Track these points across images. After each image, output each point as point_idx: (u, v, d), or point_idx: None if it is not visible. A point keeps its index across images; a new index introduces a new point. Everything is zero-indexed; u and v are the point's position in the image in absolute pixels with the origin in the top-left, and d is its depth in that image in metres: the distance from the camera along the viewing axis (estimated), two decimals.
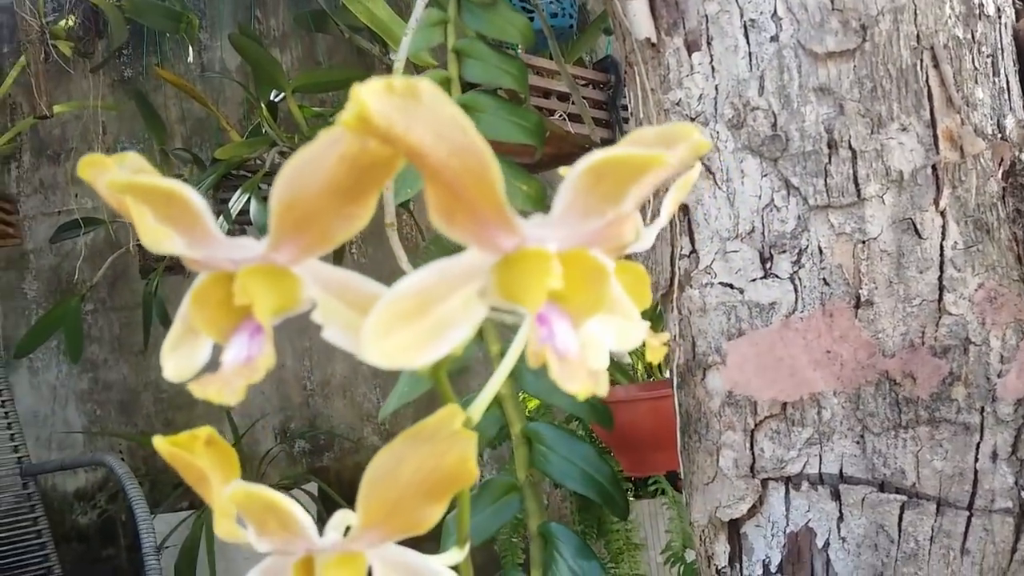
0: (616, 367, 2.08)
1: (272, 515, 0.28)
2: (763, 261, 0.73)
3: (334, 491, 2.65)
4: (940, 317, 0.67)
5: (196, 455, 0.30)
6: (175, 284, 2.94)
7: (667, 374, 2.17)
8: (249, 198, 2.33)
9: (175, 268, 2.67)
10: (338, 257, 2.65)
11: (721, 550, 0.78)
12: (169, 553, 2.37)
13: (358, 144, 0.24)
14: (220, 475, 0.30)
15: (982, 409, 0.66)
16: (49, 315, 2.53)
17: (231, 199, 2.37)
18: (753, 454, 0.75)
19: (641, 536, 2.15)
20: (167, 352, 0.30)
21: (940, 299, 0.67)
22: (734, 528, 0.77)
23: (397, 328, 0.24)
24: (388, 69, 2.89)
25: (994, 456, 0.66)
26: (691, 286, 0.77)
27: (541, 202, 0.92)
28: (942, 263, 0.67)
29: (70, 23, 2.65)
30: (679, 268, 0.79)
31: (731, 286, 0.75)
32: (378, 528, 0.30)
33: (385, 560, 0.31)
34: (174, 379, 0.30)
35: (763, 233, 0.73)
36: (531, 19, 1.36)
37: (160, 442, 0.30)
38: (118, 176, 0.25)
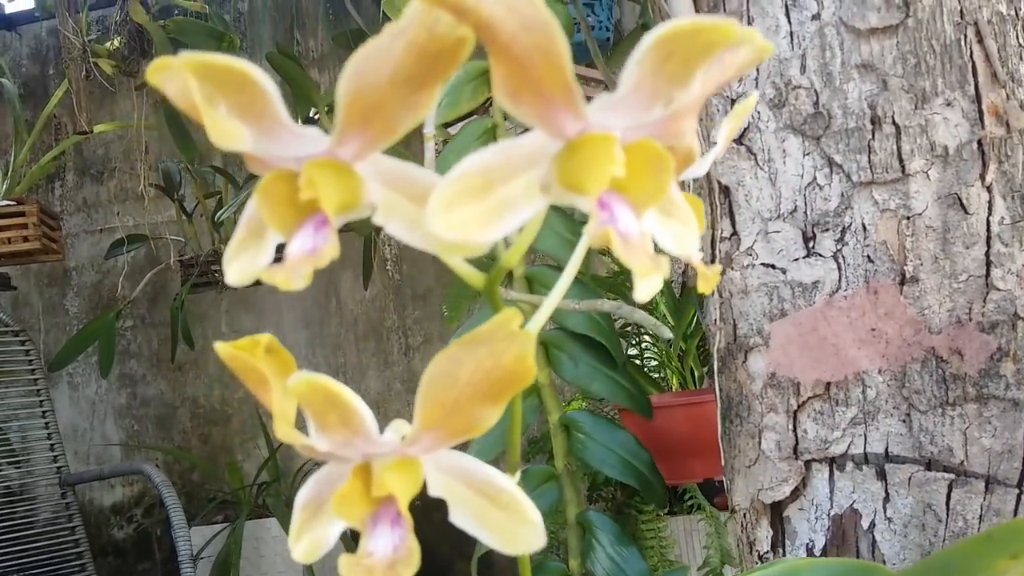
0: (648, 380, 2.07)
1: (333, 409, 0.29)
2: (806, 240, 0.73)
3: None
4: (987, 292, 0.66)
5: (257, 359, 0.30)
6: (213, 298, 2.98)
7: (700, 384, 2.16)
8: None
9: (200, 286, 2.71)
10: (367, 276, 2.67)
11: (763, 535, 0.77)
12: (203, 565, 2.38)
13: (425, 31, 0.25)
14: (280, 380, 0.30)
15: None
16: (85, 329, 2.57)
17: None
18: (796, 435, 0.74)
19: (676, 554, 2.13)
20: (229, 258, 0.31)
21: (987, 274, 0.67)
22: (776, 512, 0.76)
23: (462, 203, 0.24)
24: None
25: None
26: (732, 268, 0.77)
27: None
28: (989, 238, 0.67)
29: (116, 44, 2.71)
30: (719, 250, 0.79)
31: (773, 267, 0.75)
32: (435, 431, 0.30)
33: (440, 466, 0.31)
34: (237, 283, 0.31)
35: (805, 212, 0.73)
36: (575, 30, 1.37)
37: (222, 347, 0.30)
38: (193, 57, 0.25)
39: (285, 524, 2.32)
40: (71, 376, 3.04)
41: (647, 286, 0.30)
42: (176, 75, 0.27)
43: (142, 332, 3.11)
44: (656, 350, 2.20)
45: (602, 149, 0.25)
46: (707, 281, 0.35)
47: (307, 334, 3.07)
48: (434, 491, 0.31)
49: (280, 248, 0.29)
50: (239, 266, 0.31)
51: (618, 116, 0.25)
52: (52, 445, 2.29)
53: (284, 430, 0.31)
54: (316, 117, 2.40)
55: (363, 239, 2.54)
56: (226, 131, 0.27)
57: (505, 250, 0.34)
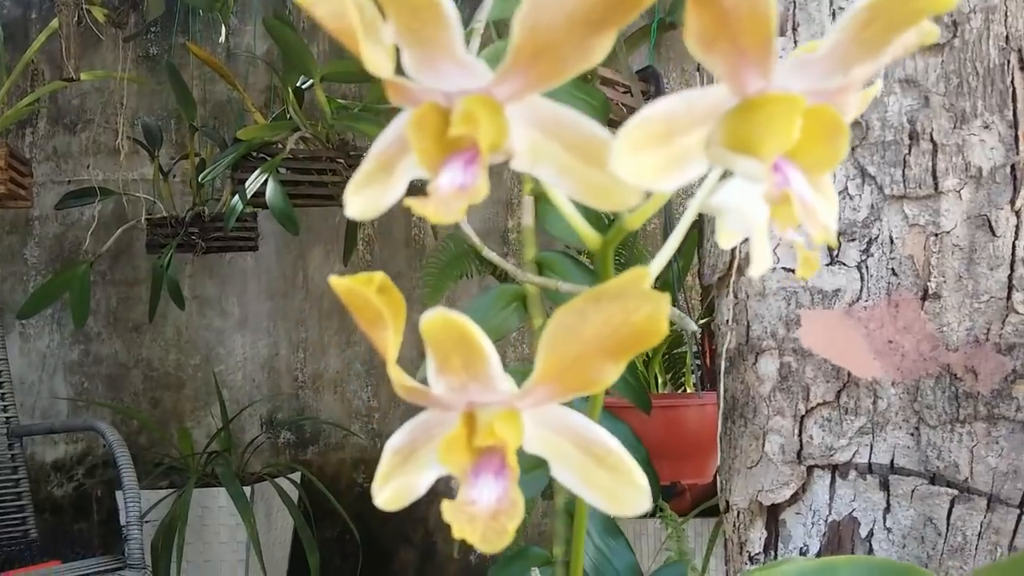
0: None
1: (462, 350, 0.28)
2: (830, 248, 0.74)
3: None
4: (1007, 315, 0.68)
5: (371, 296, 0.29)
6: (178, 260, 2.93)
7: (661, 390, 2.17)
8: (266, 180, 2.33)
9: (185, 245, 2.66)
10: (348, 251, 2.65)
11: (756, 536, 0.78)
12: (145, 530, 2.34)
13: None
14: (395, 318, 0.30)
15: None
16: (56, 279, 2.51)
17: (248, 179, 2.36)
18: (801, 440, 0.75)
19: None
20: (352, 192, 0.30)
21: (1009, 297, 0.68)
22: (773, 514, 0.77)
23: (646, 148, 0.24)
24: None
25: None
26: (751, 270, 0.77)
27: (605, 114, 0.92)
28: (1013, 262, 0.68)
29: None
30: (739, 251, 0.79)
31: (794, 271, 0.75)
32: (552, 385, 0.29)
33: (545, 421, 0.31)
34: (359, 216, 0.30)
35: None
36: None
37: (338, 281, 0.29)
38: None
39: (233, 494, 2.29)
40: (24, 327, 2.97)
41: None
42: None
43: (101, 289, 3.05)
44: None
45: (785, 111, 0.24)
46: (808, 266, 0.35)
47: (270, 306, 3.03)
48: (532, 447, 0.31)
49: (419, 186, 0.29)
50: (364, 200, 0.30)
51: (800, 79, 0.25)
52: (3, 395, 2.24)
53: (395, 370, 0.30)
54: (308, 85, 2.37)
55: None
56: (376, 61, 0.26)
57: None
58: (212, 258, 3.00)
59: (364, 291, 0.29)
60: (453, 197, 0.26)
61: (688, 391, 2.13)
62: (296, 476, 2.60)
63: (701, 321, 2.32)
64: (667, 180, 0.24)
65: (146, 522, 2.32)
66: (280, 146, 2.43)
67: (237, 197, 2.39)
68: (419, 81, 0.27)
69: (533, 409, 0.30)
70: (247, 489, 2.33)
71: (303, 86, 2.38)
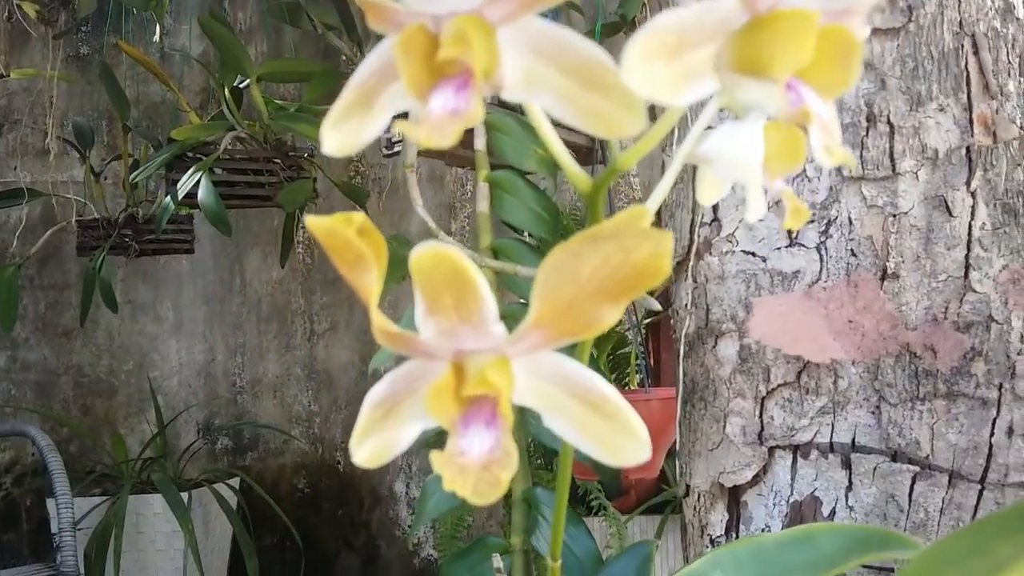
0: None
1: (454, 289, 0.27)
2: (789, 230, 0.74)
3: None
4: (965, 294, 0.68)
5: (353, 235, 0.28)
6: (109, 263, 2.85)
7: (622, 387, 2.17)
8: (199, 180, 2.27)
9: (117, 247, 2.59)
10: (284, 254, 2.60)
11: (717, 519, 0.77)
12: (78, 538, 2.26)
13: None
14: (378, 260, 0.28)
15: (1000, 385, 0.67)
16: None
17: (180, 180, 2.31)
18: (762, 422, 0.74)
19: None
20: (329, 126, 0.28)
21: (966, 276, 0.69)
22: (734, 496, 0.77)
23: (657, 59, 0.23)
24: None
25: (1010, 431, 0.67)
26: (710, 254, 0.77)
27: (554, 167, 0.92)
28: (970, 242, 0.69)
29: None
30: (698, 236, 0.79)
31: (753, 254, 0.75)
32: (546, 329, 0.28)
33: (537, 369, 0.29)
34: (335, 152, 0.29)
35: None
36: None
37: (315, 220, 0.28)
38: None
39: (170, 500, 2.22)
40: None
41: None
42: None
43: (29, 294, 2.95)
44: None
45: (799, 27, 0.23)
46: (798, 216, 0.34)
47: (206, 310, 2.96)
48: (523, 397, 0.29)
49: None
50: (341, 135, 0.28)
51: None
52: None
53: (378, 315, 0.28)
54: (245, 85, 2.32)
55: (284, 216, 2.47)
56: None
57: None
58: (146, 261, 2.92)
59: (344, 231, 0.28)
60: (446, 121, 0.25)
61: (633, 388, 2.13)
62: (235, 482, 2.54)
63: (646, 321, 2.33)
64: (678, 94, 0.23)
65: (79, 530, 2.24)
66: (215, 146, 2.38)
67: (169, 198, 2.33)
68: (406, 2, 0.26)
69: (525, 356, 0.29)
70: (184, 495, 2.26)
71: (240, 86, 2.33)
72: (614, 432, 0.29)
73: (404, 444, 0.31)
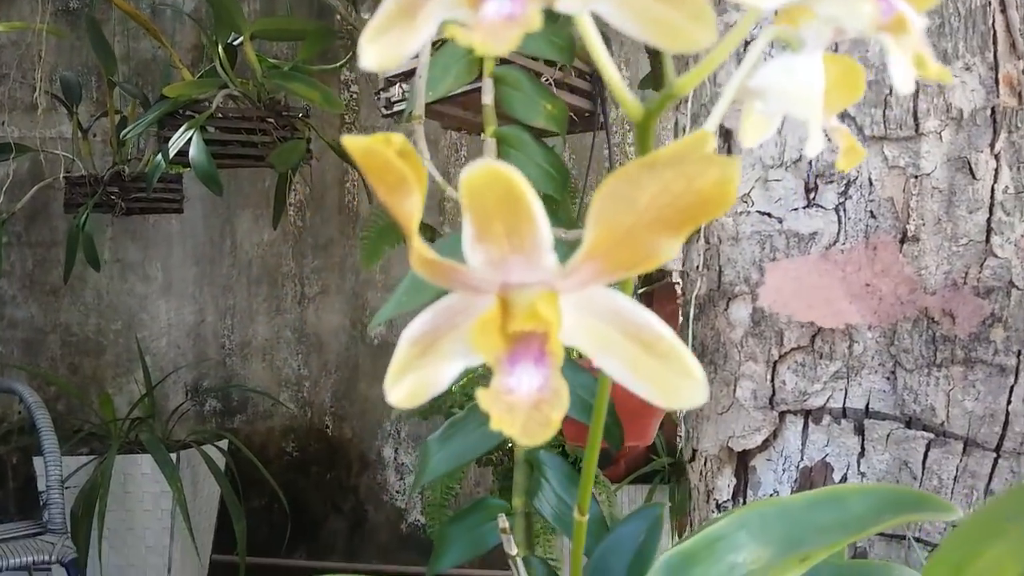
0: None
1: (506, 212, 0.25)
2: (807, 191, 0.72)
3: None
4: (986, 258, 0.67)
5: (393, 156, 0.26)
6: (98, 221, 2.81)
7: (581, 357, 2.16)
8: (191, 138, 2.24)
9: (103, 205, 2.55)
10: (277, 215, 2.57)
11: (725, 483, 0.76)
12: (65, 496, 2.25)
13: None
14: (418, 184, 0.26)
15: (1019, 352, 0.66)
16: None
17: (172, 138, 2.27)
18: (773, 386, 0.73)
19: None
20: (368, 39, 0.27)
21: (987, 240, 0.67)
22: (742, 461, 0.76)
23: None
24: (352, 28, 2.83)
25: None
26: (724, 214, 0.76)
27: (563, 124, 0.90)
28: (992, 205, 0.67)
29: None
30: None
31: (769, 215, 0.74)
32: (600, 261, 0.26)
33: (589, 306, 0.28)
34: (376, 67, 0.27)
35: (811, 163, 0.72)
36: None
37: (352, 140, 0.26)
38: None
39: (159, 461, 2.21)
40: None
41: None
42: None
43: (16, 251, 2.92)
44: None
45: None
46: (853, 156, 0.33)
47: (196, 271, 2.93)
48: (572, 336, 0.28)
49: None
50: (381, 47, 0.26)
51: None
52: None
53: (419, 244, 0.27)
54: (239, 42, 2.28)
55: (276, 177, 2.44)
56: None
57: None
58: (135, 221, 2.89)
59: (384, 151, 0.26)
60: (502, 26, 0.23)
61: None
62: (223, 444, 2.52)
63: (641, 290, 2.32)
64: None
65: (66, 488, 2.23)
66: (208, 104, 2.34)
67: (160, 156, 2.30)
68: None
69: (575, 292, 0.27)
70: (172, 456, 2.25)
71: (233, 43, 2.29)
72: (669, 373, 0.27)
73: (444, 383, 0.29)
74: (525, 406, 0.26)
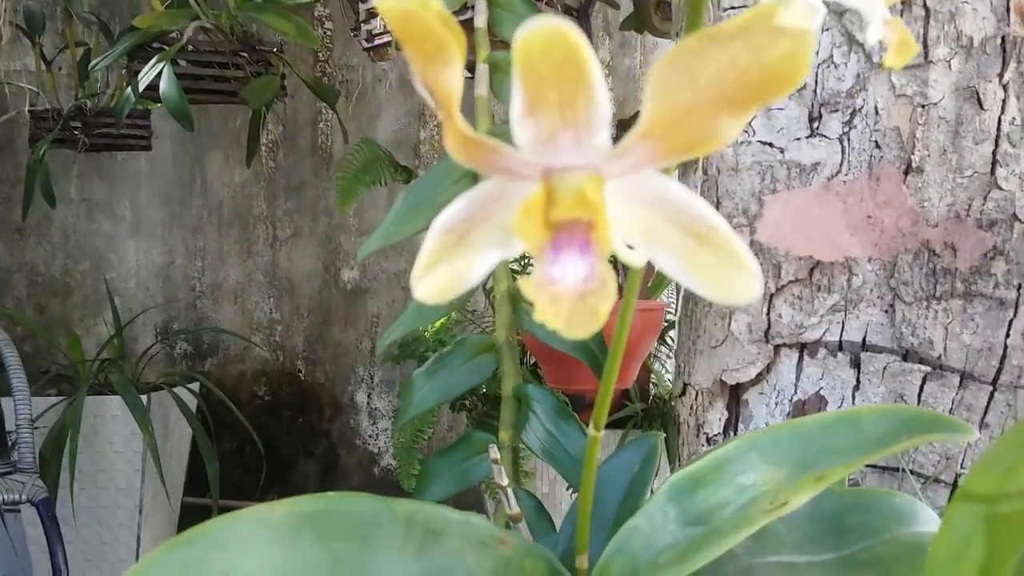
0: None
1: (564, 78, 0.23)
2: (811, 120, 0.71)
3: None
4: (990, 191, 0.66)
5: (434, 20, 0.24)
6: (64, 159, 2.74)
7: None
8: (161, 71, 2.17)
9: (66, 140, 2.49)
10: (250, 153, 2.52)
11: (716, 417, 0.76)
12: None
13: None
14: (459, 52, 0.24)
15: (1019, 286, 0.66)
16: None
17: (142, 71, 2.21)
18: (769, 319, 0.73)
19: (532, 465, 2.15)
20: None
21: (992, 172, 0.66)
22: (735, 395, 0.75)
23: None
24: None
25: None
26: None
27: None
28: (998, 137, 0.66)
29: None
30: None
31: (771, 144, 0.72)
32: (657, 141, 0.25)
33: (637, 193, 0.26)
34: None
35: (815, 91, 0.70)
36: None
37: (387, 3, 0.24)
38: None
39: (130, 402, 2.18)
40: None
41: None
42: None
43: None
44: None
45: None
46: (904, 51, 0.31)
47: (165, 212, 2.88)
48: (619, 226, 0.26)
49: None
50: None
51: None
52: None
53: (459, 120, 0.25)
54: None
55: (248, 116, 2.38)
56: None
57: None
58: (102, 158, 2.83)
59: (425, 15, 0.24)
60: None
61: None
62: (195, 386, 2.50)
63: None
64: None
65: (35, 428, 2.20)
66: (179, 36, 2.27)
67: (130, 89, 2.23)
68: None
69: (624, 177, 0.26)
70: (143, 398, 2.22)
71: None
72: (723, 265, 0.26)
73: (476, 277, 0.27)
74: (570, 297, 0.24)
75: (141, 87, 2.18)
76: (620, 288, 0.26)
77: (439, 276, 0.27)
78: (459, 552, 0.42)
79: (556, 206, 0.25)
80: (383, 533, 0.42)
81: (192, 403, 2.42)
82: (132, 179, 2.88)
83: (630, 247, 0.27)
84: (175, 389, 2.37)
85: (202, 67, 2.28)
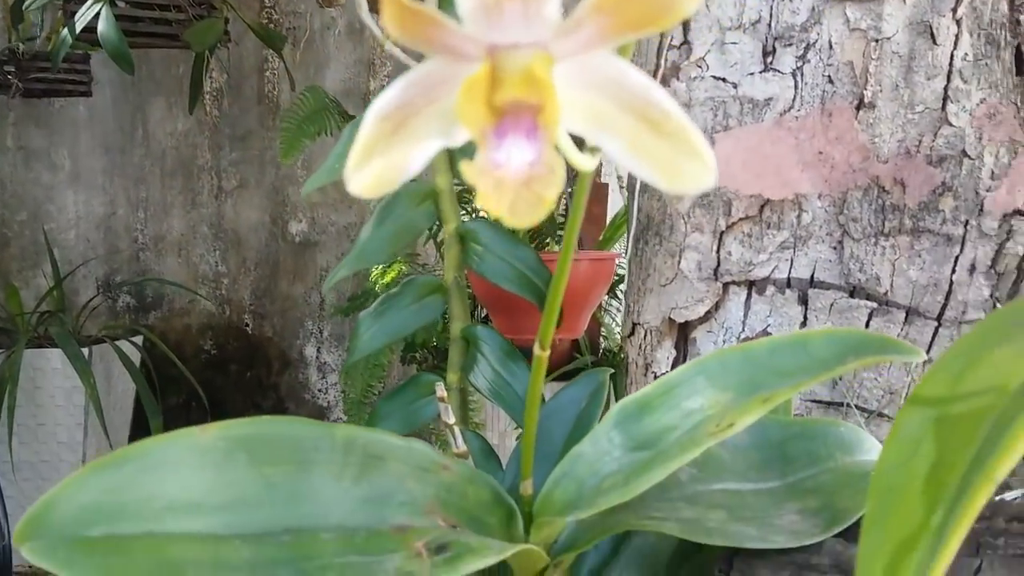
0: None
1: None
2: (765, 54, 0.70)
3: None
4: (940, 127, 0.66)
5: None
6: (3, 106, 2.65)
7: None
8: (99, 12, 2.10)
9: (33, 92, 2.41)
10: (193, 99, 2.45)
11: (664, 356, 0.76)
12: None
13: None
14: None
15: (966, 222, 0.66)
16: None
17: (79, 12, 2.13)
18: (719, 257, 0.72)
19: (482, 417, 2.15)
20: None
21: (943, 108, 0.66)
22: (683, 333, 0.75)
23: None
24: None
25: (972, 269, 0.66)
26: (677, 79, 0.73)
27: None
28: (950, 73, 0.66)
29: None
30: (665, 59, 0.74)
31: (724, 80, 0.71)
32: (609, 16, 0.23)
33: (588, 77, 0.25)
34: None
35: (770, 24, 0.69)
36: None
37: None
38: None
39: (70, 355, 2.13)
40: None
41: None
42: None
43: None
44: None
45: None
46: None
47: (105, 161, 2.80)
48: (568, 113, 0.25)
49: None
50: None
51: None
52: None
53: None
54: None
55: (192, 60, 2.32)
56: None
57: None
58: (40, 105, 2.73)
59: None
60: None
61: (555, 250, 2.11)
62: (138, 340, 2.45)
63: (569, 191, 2.30)
64: None
65: None
66: None
67: (66, 31, 2.15)
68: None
69: (574, 58, 0.24)
70: (85, 351, 2.17)
71: None
72: (676, 153, 0.24)
73: (414, 168, 0.26)
74: (515, 183, 0.23)
75: (78, 29, 2.10)
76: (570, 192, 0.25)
77: (375, 168, 0.26)
78: (400, 477, 0.41)
79: (502, 87, 0.23)
80: (320, 458, 0.40)
81: (136, 357, 2.37)
82: (71, 127, 2.79)
83: (578, 140, 0.25)
84: (118, 342, 2.32)
85: (142, 8, 2.21)
